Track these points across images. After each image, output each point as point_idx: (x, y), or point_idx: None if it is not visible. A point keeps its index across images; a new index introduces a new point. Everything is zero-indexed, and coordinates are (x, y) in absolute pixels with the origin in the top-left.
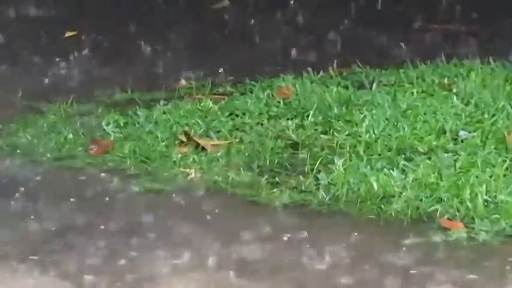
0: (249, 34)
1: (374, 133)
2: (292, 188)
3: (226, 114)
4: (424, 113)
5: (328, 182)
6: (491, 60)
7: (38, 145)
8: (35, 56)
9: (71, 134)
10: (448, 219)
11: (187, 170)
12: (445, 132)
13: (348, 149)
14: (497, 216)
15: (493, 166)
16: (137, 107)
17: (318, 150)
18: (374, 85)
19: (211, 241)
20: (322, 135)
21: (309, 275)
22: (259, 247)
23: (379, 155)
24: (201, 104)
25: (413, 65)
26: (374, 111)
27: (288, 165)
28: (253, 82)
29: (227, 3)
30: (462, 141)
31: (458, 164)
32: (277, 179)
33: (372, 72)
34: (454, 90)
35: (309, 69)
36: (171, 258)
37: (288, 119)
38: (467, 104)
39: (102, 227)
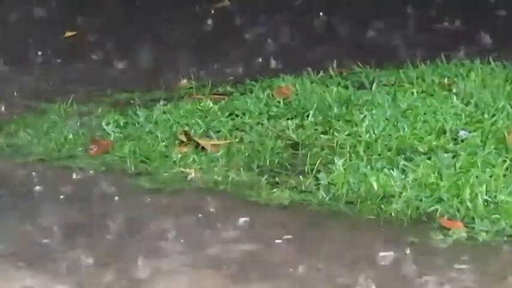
0: (250, 34)
1: (374, 133)
2: (292, 188)
3: (226, 114)
4: (424, 113)
5: (328, 182)
6: (491, 60)
7: (38, 145)
8: (35, 55)
9: (71, 134)
10: (448, 219)
11: (187, 170)
12: (445, 132)
13: (348, 149)
14: (497, 216)
15: (493, 166)
16: (137, 107)
17: (318, 150)
18: (374, 85)
19: (211, 241)
20: (322, 135)
21: (309, 275)
22: (259, 247)
23: (379, 155)
24: (201, 104)
25: (413, 65)
26: (374, 111)
27: (288, 165)
28: (253, 82)
29: (227, 3)
30: (462, 141)
31: (458, 164)
32: (277, 179)
33: (372, 72)
34: (454, 90)
35: (309, 69)
36: (171, 257)
37: (288, 119)
38: (467, 104)
39: (102, 227)
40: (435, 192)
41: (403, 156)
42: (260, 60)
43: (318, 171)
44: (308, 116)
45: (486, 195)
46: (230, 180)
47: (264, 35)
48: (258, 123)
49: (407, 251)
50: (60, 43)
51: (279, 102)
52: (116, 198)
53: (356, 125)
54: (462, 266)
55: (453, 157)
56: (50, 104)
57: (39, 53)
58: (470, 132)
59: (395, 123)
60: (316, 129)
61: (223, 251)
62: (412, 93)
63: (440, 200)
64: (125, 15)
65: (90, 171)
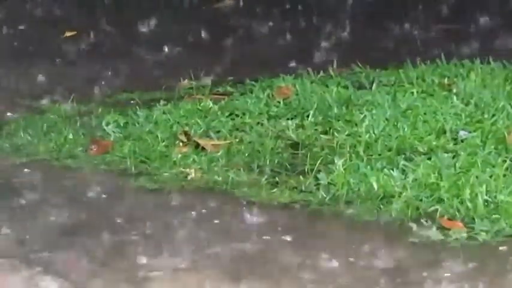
0: (251, 33)
1: (374, 133)
2: (292, 188)
3: (226, 114)
4: (424, 113)
5: (328, 182)
6: (491, 60)
7: (38, 145)
8: (35, 55)
9: (71, 134)
10: (448, 219)
11: (187, 170)
12: (445, 132)
13: (348, 149)
14: (497, 216)
15: (493, 166)
16: (137, 107)
17: (318, 150)
18: (374, 85)
19: (211, 241)
20: (322, 135)
21: (309, 275)
22: (259, 247)
23: (379, 155)
24: (201, 104)
25: (413, 65)
26: (374, 111)
27: (288, 165)
28: (253, 82)
29: (229, 2)
30: (462, 141)
31: (458, 164)
32: (277, 179)
33: (372, 72)
34: (454, 90)
35: (309, 69)
36: (171, 257)
37: (288, 119)
38: (467, 104)
39: (102, 226)
40: (435, 192)
41: (403, 156)
42: (260, 60)
43: (318, 171)
44: (308, 116)
45: (486, 195)
46: (230, 180)
47: (265, 34)
48: (258, 123)
49: (407, 251)
50: (60, 43)
51: (279, 102)
52: (116, 198)
53: (356, 125)
54: (462, 266)
55: (453, 157)
56: (50, 104)
57: (39, 53)
58: (470, 132)
59: (395, 123)
60: (316, 129)
61: (223, 251)
62: (412, 93)
63: (440, 200)
64: (125, 15)
65: (90, 171)
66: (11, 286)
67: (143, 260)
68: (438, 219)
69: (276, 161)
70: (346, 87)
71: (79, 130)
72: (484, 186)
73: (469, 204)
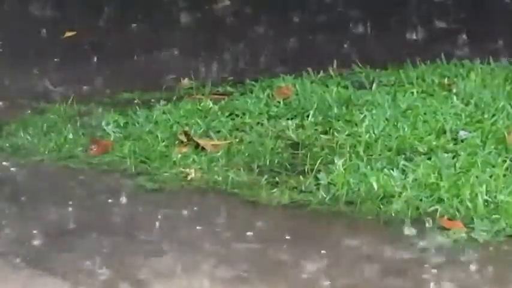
0: (250, 34)
1: (374, 133)
2: (292, 188)
3: (226, 114)
4: (424, 113)
5: (328, 182)
6: (491, 60)
7: (38, 145)
8: (35, 55)
9: (71, 134)
10: (448, 219)
11: (187, 170)
12: (445, 132)
13: (348, 149)
14: (497, 216)
15: (493, 166)
16: (137, 107)
17: (318, 150)
18: (374, 85)
19: (211, 241)
20: (322, 135)
21: (309, 275)
22: (260, 247)
23: (379, 155)
24: (201, 104)
25: (413, 65)
26: (374, 111)
27: (288, 165)
28: (253, 82)
29: (228, 2)
30: (462, 141)
31: (458, 164)
32: (277, 179)
33: (372, 72)
34: (454, 90)
35: (309, 69)
36: (171, 257)
37: (288, 119)
38: (467, 104)
39: (102, 226)
40: (435, 192)
41: (403, 156)
42: (260, 60)
43: (318, 171)
44: (308, 116)
45: (486, 195)
46: (230, 180)
47: (264, 34)
48: (258, 123)
49: (407, 251)
50: (60, 43)
51: (279, 102)
52: (116, 198)
53: (356, 125)
54: (462, 266)
55: (453, 157)
56: (50, 104)
57: (39, 53)
58: (470, 132)
59: (395, 123)
60: (316, 129)
61: (223, 250)
62: (412, 93)
63: (440, 200)
64: (125, 15)
65: (90, 171)
66: (11, 286)
67: (143, 260)
68: (438, 219)
69: (276, 161)
70: (346, 87)
71: (79, 130)
72: (484, 186)
73: (469, 204)
